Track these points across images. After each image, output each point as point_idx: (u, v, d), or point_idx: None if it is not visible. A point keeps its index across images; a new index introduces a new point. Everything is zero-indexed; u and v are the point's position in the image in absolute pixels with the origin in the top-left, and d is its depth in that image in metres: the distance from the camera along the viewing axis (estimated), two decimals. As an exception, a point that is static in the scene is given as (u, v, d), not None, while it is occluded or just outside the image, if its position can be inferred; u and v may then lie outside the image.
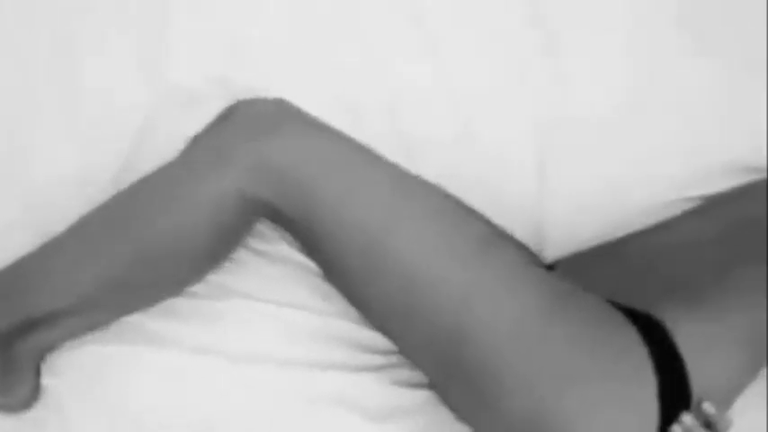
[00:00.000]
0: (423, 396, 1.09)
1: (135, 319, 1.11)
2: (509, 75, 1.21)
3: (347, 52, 1.20)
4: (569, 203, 1.20)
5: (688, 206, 1.20)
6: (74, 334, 1.09)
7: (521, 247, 1.15)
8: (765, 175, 1.20)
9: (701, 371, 0.98)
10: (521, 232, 1.19)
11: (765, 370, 1.08)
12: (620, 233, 1.19)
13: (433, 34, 1.20)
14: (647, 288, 1.05)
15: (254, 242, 1.14)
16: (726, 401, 1.02)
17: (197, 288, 1.12)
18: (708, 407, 0.97)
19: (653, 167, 1.20)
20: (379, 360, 1.11)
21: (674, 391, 0.96)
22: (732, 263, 1.05)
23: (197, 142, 1.06)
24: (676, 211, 1.19)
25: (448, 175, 1.15)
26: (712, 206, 1.18)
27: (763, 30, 1.23)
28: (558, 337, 0.96)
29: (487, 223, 1.09)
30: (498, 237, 1.07)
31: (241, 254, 1.14)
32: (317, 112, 1.10)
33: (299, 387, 1.08)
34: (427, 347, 1.00)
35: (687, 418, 0.96)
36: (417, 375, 1.09)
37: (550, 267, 1.17)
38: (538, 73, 1.21)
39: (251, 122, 1.03)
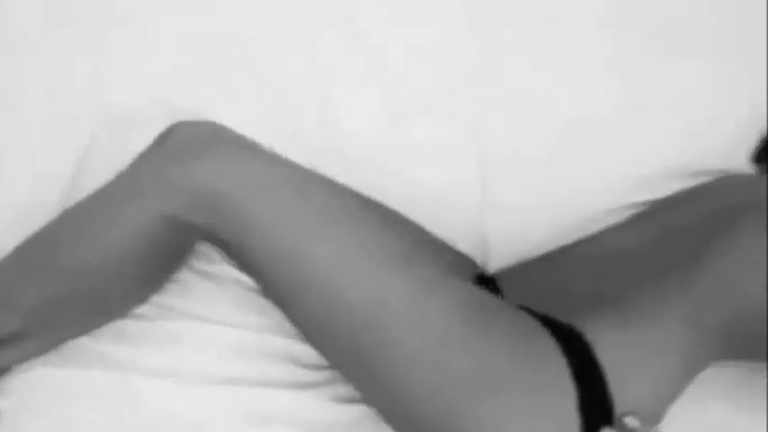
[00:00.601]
0: (360, 411, 1.10)
1: (87, 342, 1.14)
2: (451, 88, 1.22)
3: (285, 71, 1.22)
4: (512, 214, 1.21)
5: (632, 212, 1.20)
6: (29, 355, 1.11)
7: (454, 258, 1.16)
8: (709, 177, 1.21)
9: (623, 382, 0.98)
10: (465, 244, 1.21)
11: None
12: (564, 242, 1.20)
13: (370, 43, 1.22)
14: (573, 298, 1.06)
15: (199, 263, 1.17)
16: (656, 411, 1.02)
17: (145, 310, 1.15)
18: (630, 421, 0.97)
19: (597, 176, 1.21)
20: (317, 376, 1.12)
21: (596, 404, 0.96)
22: (664, 270, 1.05)
23: (134, 164, 1.08)
24: (621, 217, 1.20)
25: (389, 187, 1.18)
26: (653, 212, 1.18)
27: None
28: (476, 348, 0.96)
29: (415, 235, 1.10)
30: (424, 249, 1.08)
31: (187, 275, 1.17)
32: (255, 132, 1.13)
33: (239, 405, 1.10)
34: (354, 364, 1.02)
35: None
36: (355, 391, 1.11)
37: (492, 278, 1.18)
38: (480, 86, 1.22)
39: (184, 146, 1.05)
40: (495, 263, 1.22)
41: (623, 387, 0.98)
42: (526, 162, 1.21)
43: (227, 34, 1.23)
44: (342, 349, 1.01)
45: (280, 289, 1.03)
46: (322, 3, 1.23)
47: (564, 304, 1.04)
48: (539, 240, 1.20)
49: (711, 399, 1.12)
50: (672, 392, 1.03)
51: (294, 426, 1.09)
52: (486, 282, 1.18)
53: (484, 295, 1.03)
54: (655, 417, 1.02)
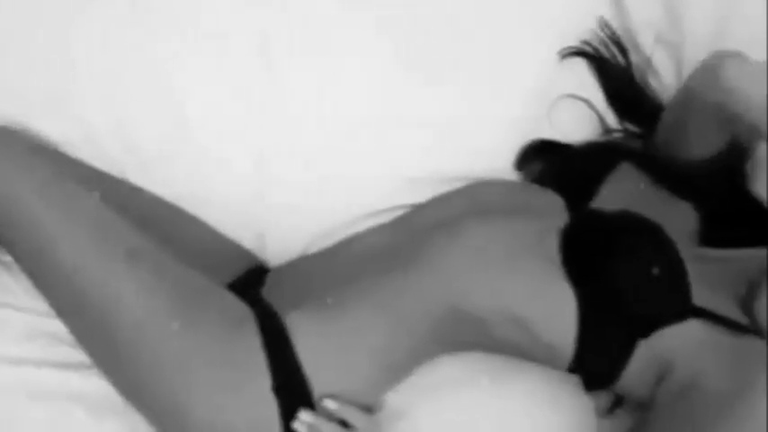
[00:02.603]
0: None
1: None
2: (231, 93, 1.32)
3: (77, 73, 1.31)
4: (287, 213, 1.31)
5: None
6: None
7: (229, 251, 1.29)
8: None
9: (322, 370, 1.08)
10: (248, 239, 1.32)
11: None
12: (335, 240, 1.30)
13: (159, 46, 1.31)
14: (300, 293, 1.16)
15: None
16: (366, 398, 1.12)
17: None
18: (328, 403, 1.08)
19: (366, 178, 1.31)
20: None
21: (292, 387, 1.07)
22: (384, 270, 1.14)
23: None
24: (387, 219, 1.29)
25: (178, 183, 1.30)
26: (406, 216, 1.27)
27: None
28: (186, 334, 1.07)
29: (175, 231, 1.23)
30: (181, 246, 1.19)
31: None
32: (53, 133, 1.27)
33: (24, 384, 1.22)
34: (91, 348, 1.14)
35: (304, 415, 1.06)
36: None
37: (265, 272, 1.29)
38: (259, 89, 1.32)
39: None
40: (275, 257, 1.32)
41: (322, 374, 1.08)
42: (300, 162, 1.31)
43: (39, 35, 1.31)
44: (84, 337, 1.12)
45: (33, 277, 1.14)
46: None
47: (291, 298, 1.15)
48: (312, 238, 1.31)
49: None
50: (382, 382, 1.12)
51: (77, 403, 1.21)
52: (260, 273, 1.28)
53: (207, 287, 1.13)
54: (369, 404, 1.13)
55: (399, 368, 1.13)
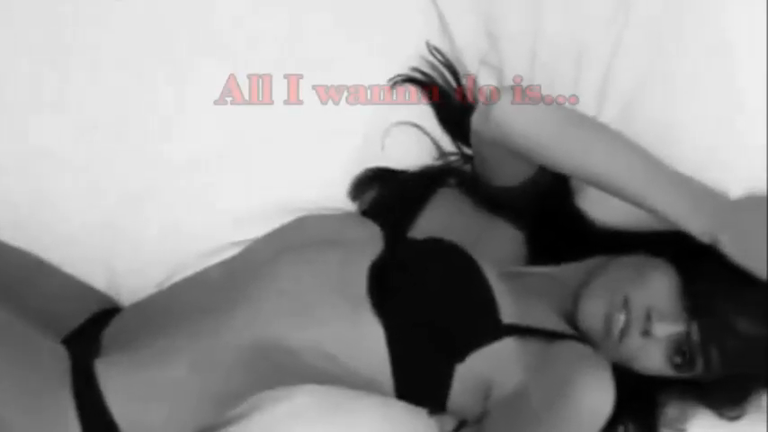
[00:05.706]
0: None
1: None
2: (80, 133, 1.36)
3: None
4: (136, 252, 1.35)
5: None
6: None
7: (77, 292, 1.31)
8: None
9: (131, 416, 1.09)
10: (100, 282, 1.35)
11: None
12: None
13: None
14: (126, 335, 1.18)
15: None
16: None
17: None
18: None
19: (210, 212, 1.35)
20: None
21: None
22: (203, 310, 1.15)
23: None
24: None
25: (28, 233, 1.32)
26: (239, 252, 1.29)
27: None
28: None
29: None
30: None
31: None
32: None
33: None
34: None
35: None
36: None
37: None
38: (105, 130, 1.36)
39: None
40: (130, 298, 1.34)
41: (131, 419, 1.08)
42: (149, 202, 1.34)
43: None
44: None
45: None
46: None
47: (120, 340, 1.17)
48: (163, 277, 1.33)
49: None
50: (198, 422, 1.13)
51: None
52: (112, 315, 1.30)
53: (25, 338, 1.12)
54: None
55: (217, 409, 1.15)
